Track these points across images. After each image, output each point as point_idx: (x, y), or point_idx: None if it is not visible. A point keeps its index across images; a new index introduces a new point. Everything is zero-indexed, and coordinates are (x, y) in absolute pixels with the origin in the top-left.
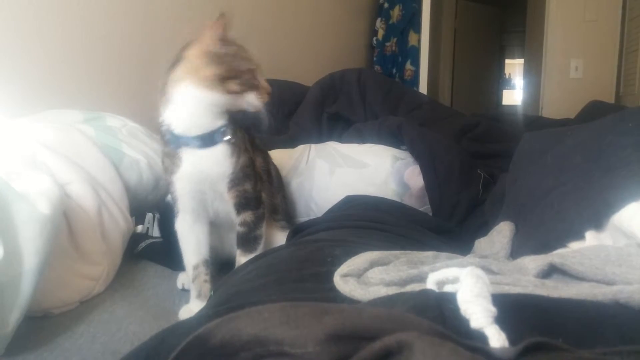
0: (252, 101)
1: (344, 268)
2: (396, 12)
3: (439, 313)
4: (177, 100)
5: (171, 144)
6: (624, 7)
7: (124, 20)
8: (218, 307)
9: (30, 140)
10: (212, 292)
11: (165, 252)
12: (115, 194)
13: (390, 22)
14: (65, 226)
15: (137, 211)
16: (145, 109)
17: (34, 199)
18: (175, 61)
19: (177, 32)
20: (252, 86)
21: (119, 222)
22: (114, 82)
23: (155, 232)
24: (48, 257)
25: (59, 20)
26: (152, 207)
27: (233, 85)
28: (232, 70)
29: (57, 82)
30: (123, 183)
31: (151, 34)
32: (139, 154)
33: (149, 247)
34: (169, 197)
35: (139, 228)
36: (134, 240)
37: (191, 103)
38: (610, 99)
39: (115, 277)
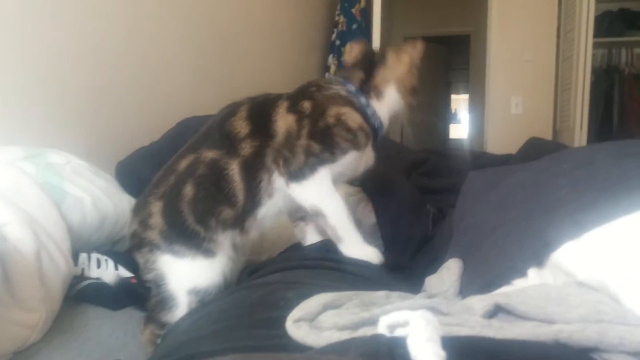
0: (404, 116)
1: (296, 312)
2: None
3: (390, 359)
4: (385, 97)
5: (378, 130)
6: (557, 49)
7: (69, 52)
8: (166, 359)
9: None
10: (159, 340)
11: (105, 292)
12: (56, 235)
13: (342, 58)
14: (0, 271)
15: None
16: (92, 145)
17: None
18: (376, 61)
19: (126, 65)
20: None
21: (59, 266)
22: (58, 116)
23: (93, 272)
24: None
25: None
26: (96, 248)
27: (415, 100)
28: (420, 86)
29: None
30: (65, 224)
31: (98, 66)
32: (84, 192)
33: (87, 288)
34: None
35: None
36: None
37: (392, 104)
38: (549, 134)
39: (53, 323)
